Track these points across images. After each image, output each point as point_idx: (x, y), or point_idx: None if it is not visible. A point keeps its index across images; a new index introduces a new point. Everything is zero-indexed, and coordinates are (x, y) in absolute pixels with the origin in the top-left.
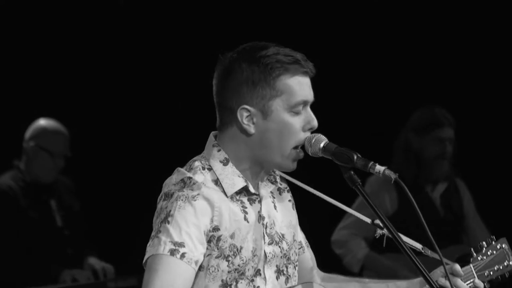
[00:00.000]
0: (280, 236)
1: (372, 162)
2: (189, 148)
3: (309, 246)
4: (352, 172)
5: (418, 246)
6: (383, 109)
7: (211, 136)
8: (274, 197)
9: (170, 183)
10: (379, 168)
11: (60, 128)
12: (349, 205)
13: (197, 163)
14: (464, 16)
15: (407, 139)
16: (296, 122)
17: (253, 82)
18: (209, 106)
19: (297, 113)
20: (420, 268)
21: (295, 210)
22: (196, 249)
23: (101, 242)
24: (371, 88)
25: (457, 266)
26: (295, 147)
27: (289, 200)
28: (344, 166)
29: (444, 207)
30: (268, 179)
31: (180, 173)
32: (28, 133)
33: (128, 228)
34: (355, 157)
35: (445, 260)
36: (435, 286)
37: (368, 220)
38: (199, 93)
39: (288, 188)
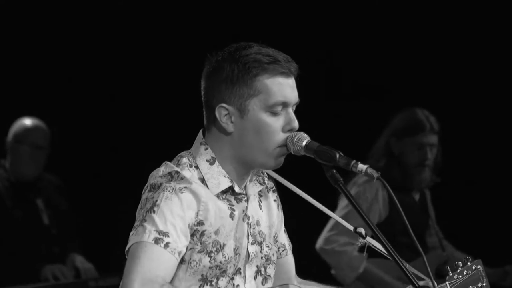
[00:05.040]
0: (262, 236)
1: (355, 160)
2: (176, 147)
3: (291, 249)
4: (334, 171)
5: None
6: (369, 109)
7: (200, 133)
8: (261, 195)
9: (156, 175)
10: (362, 166)
11: (39, 123)
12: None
13: (184, 160)
14: (456, 17)
15: (387, 143)
16: (274, 122)
17: (232, 80)
18: (196, 102)
19: (275, 114)
20: (408, 274)
21: (280, 210)
22: (180, 241)
23: (84, 241)
24: (357, 86)
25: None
26: (279, 146)
27: (274, 200)
28: (326, 164)
29: (424, 211)
30: (257, 180)
31: (168, 166)
32: (10, 131)
33: (110, 228)
34: (338, 155)
35: (421, 276)
36: None
37: (351, 228)
38: (187, 89)
39: (274, 188)
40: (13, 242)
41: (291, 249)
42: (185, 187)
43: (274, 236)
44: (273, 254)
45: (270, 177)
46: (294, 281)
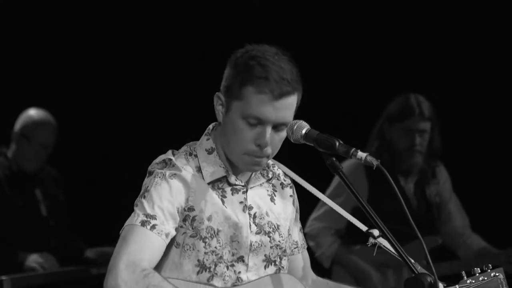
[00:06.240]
0: (274, 227)
1: (354, 148)
2: (180, 140)
3: (305, 248)
4: (334, 159)
5: (412, 260)
6: (369, 96)
7: (210, 125)
8: (275, 190)
9: (154, 162)
10: (361, 154)
11: (47, 118)
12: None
13: (185, 148)
14: (455, 15)
15: (381, 128)
16: (247, 131)
17: (231, 76)
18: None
19: (252, 124)
20: (412, 267)
21: (295, 207)
22: (168, 223)
23: (85, 232)
24: (355, 74)
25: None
26: (246, 154)
27: (290, 196)
28: (326, 152)
29: (418, 197)
30: (261, 173)
31: (166, 154)
32: (17, 121)
33: (111, 219)
34: (337, 143)
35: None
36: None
37: (364, 228)
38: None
39: (291, 184)
40: (11, 231)
41: (305, 247)
42: (174, 174)
43: (288, 230)
44: (288, 247)
45: (286, 175)
46: (309, 278)
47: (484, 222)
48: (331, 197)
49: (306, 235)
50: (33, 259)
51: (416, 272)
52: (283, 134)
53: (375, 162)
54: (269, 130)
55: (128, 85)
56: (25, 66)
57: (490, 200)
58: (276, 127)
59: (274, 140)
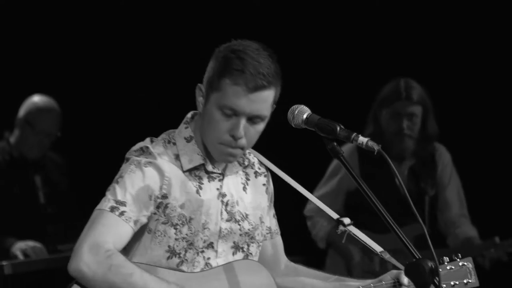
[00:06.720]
0: (243, 215)
1: (355, 133)
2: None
3: (279, 233)
4: (335, 144)
5: (377, 249)
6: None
7: (188, 114)
8: (248, 179)
9: (132, 149)
10: (362, 139)
11: (51, 105)
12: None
13: (163, 136)
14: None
15: (374, 113)
16: (223, 122)
17: (211, 68)
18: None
19: (227, 115)
20: (406, 243)
21: (268, 194)
22: (138, 210)
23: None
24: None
25: (404, 278)
26: (221, 144)
27: (263, 184)
28: (327, 137)
29: (410, 183)
30: (237, 161)
31: (144, 141)
32: (21, 107)
33: None
34: (338, 128)
35: (398, 265)
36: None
37: (335, 216)
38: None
39: (266, 173)
40: (6, 217)
41: (278, 233)
42: (149, 162)
43: (259, 217)
44: (257, 234)
45: (261, 163)
46: (281, 263)
47: (483, 211)
48: (329, 177)
49: (305, 216)
50: (19, 247)
51: (417, 257)
52: (259, 127)
53: (376, 147)
54: (243, 121)
55: (135, 74)
56: (28, 51)
57: (489, 189)
58: (251, 119)
59: (249, 132)
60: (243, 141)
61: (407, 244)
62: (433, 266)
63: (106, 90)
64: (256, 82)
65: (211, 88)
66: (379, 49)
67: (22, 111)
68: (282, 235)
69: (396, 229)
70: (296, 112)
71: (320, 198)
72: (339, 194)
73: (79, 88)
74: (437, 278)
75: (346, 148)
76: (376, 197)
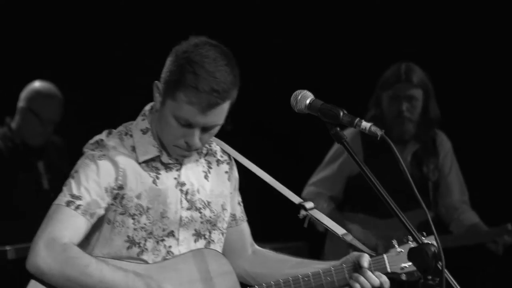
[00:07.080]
0: (204, 203)
1: (358, 118)
2: None
3: (245, 220)
4: (338, 129)
5: (339, 232)
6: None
7: (146, 106)
8: (210, 167)
9: (88, 142)
10: (365, 124)
11: (54, 93)
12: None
13: (120, 128)
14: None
15: (376, 96)
16: (177, 128)
17: (169, 72)
18: None
19: (182, 125)
20: (410, 228)
21: (231, 182)
22: (93, 203)
23: None
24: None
25: (365, 259)
26: (176, 146)
27: (226, 172)
28: (330, 122)
29: (414, 168)
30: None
31: (100, 134)
32: (22, 93)
33: None
34: (341, 113)
35: (362, 247)
36: (419, 241)
37: (297, 201)
38: None
39: (228, 161)
40: (13, 203)
41: (245, 220)
42: (103, 155)
43: (221, 205)
44: (220, 221)
45: (224, 151)
46: (248, 249)
47: (484, 197)
48: (329, 161)
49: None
50: None
51: (420, 242)
52: (215, 130)
53: (379, 132)
54: (197, 132)
55: (140, 59)
56: (27, 36)
57: (489, 176)
58: (207, 129)
59: (205, 137)
60: (198, 145)
61: (411, 229)
62: (436, 251)
63: (105, 75)
64: (210, 101)
65: (167, 93)
66: (383, 34)
67: (25, 98)
68: (279, 221)
69: (400, 214)
70: (299, 97)
71: (319, 181)
72: (339, 178)
73: (79, 73)
74: (440, 263)
75: (348, 133)
76: (380, 183)
